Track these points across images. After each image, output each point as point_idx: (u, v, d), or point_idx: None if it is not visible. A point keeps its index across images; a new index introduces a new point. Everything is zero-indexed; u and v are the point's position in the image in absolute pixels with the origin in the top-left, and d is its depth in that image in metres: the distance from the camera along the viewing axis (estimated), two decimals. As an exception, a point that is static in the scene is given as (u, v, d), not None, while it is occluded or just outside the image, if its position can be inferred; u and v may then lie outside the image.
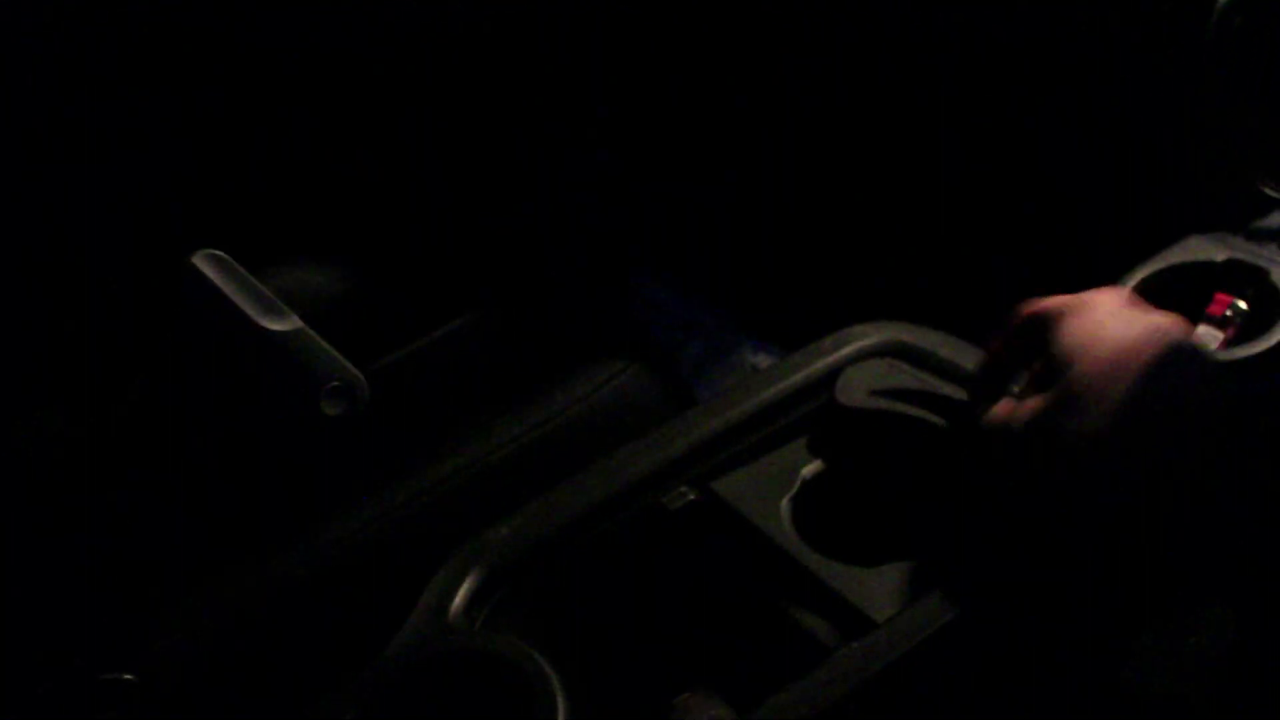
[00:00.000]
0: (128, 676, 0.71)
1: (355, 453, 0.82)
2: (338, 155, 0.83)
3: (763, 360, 1.02)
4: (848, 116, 1.08)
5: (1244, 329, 0.94)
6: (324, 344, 0.78)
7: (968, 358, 0.87)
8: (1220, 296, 0.97)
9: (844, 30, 1.06)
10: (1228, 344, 0.95)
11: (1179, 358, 0.68)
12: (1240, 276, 0.97)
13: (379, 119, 0.85)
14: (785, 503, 0.78)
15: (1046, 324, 0.72)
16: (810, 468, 0.80)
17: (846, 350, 0.88)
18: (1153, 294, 0.98)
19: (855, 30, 1.05)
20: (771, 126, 1.11)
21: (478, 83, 0.88)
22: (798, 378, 0.86)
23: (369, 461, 0.83)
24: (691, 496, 0.79)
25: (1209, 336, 0.96)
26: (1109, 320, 0.71)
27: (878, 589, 0.71)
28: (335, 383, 0.78)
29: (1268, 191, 0.97)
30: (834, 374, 0.88)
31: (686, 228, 1.14)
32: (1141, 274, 0.99)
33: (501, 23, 0.88)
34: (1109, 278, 0.98)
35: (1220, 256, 0.97)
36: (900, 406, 0.77)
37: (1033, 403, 0.70)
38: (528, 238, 0.91)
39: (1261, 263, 0.96)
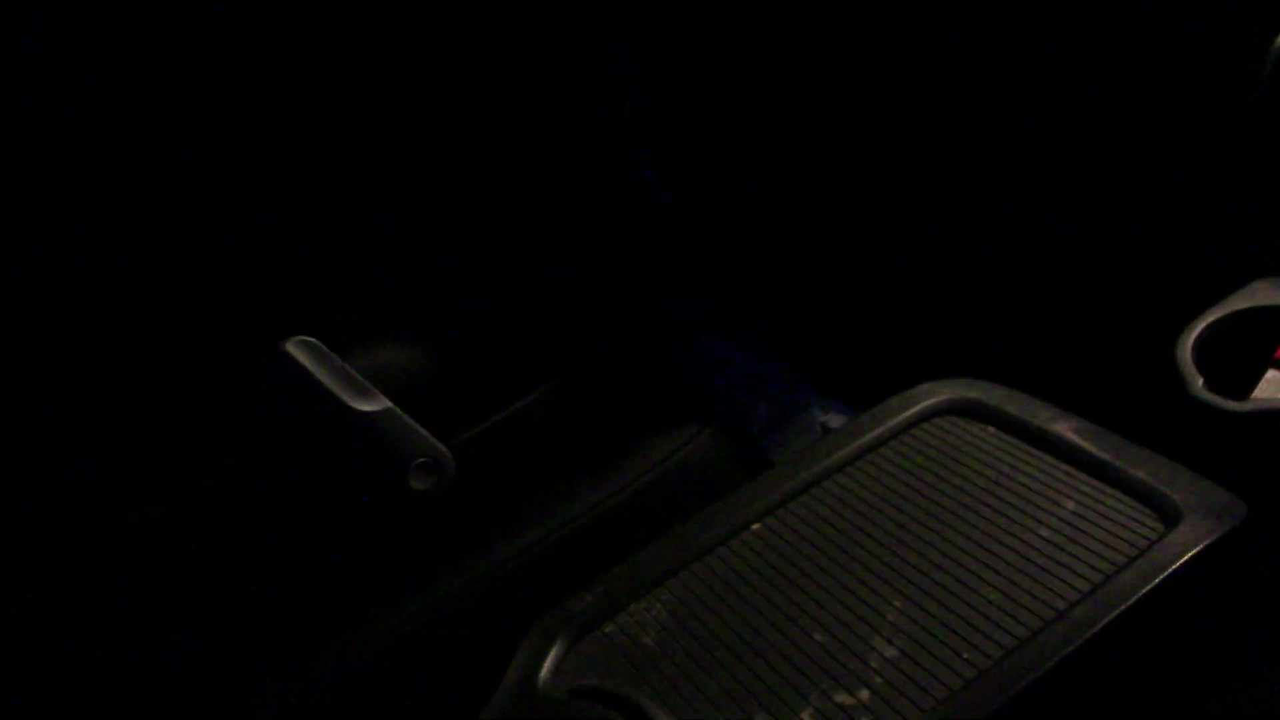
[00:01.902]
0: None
1: (441, 525, 0.85)
2: (417, 241, 0.87)
3: (833, 419, 1.04)
4: (920, 176, 1.10)
5: (1314, 373, 0.95)
6: (411, 422, 0.81)
7: (1037, 414, 0.88)
8: (1289, 341, 0.97)
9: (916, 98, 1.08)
10: (1299, 388, 0.95)
11: None
12: (1307, 321, 0.97)
13: (456, 204, 0.88)
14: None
15: None
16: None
17: (916, 409, 0.90)
18: (1220, 339, 0.99)
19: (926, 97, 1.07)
20: (838, 181, 1.13)
21: (540, 157, 0.91)
22: (868, 438, 0.88)
23: (453, 533, 0.86)
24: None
25: (1278, 383, 0.96)
26: None
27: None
28: (423, 459, 0.81)
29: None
30: (905, 431, 0.89)
31: (750, 281, 1.16)
32: (1208, 319, 0.99)
33: (564, 100, 0.91)
34: (1178, 324, 0.99)
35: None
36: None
37: None
38: (595, 308, 0.94)
39: (1328, 306, 0.96)
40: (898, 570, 0.79)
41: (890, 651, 0.73)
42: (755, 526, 0.85)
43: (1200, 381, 0.96)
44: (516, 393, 0.89)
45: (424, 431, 0.81)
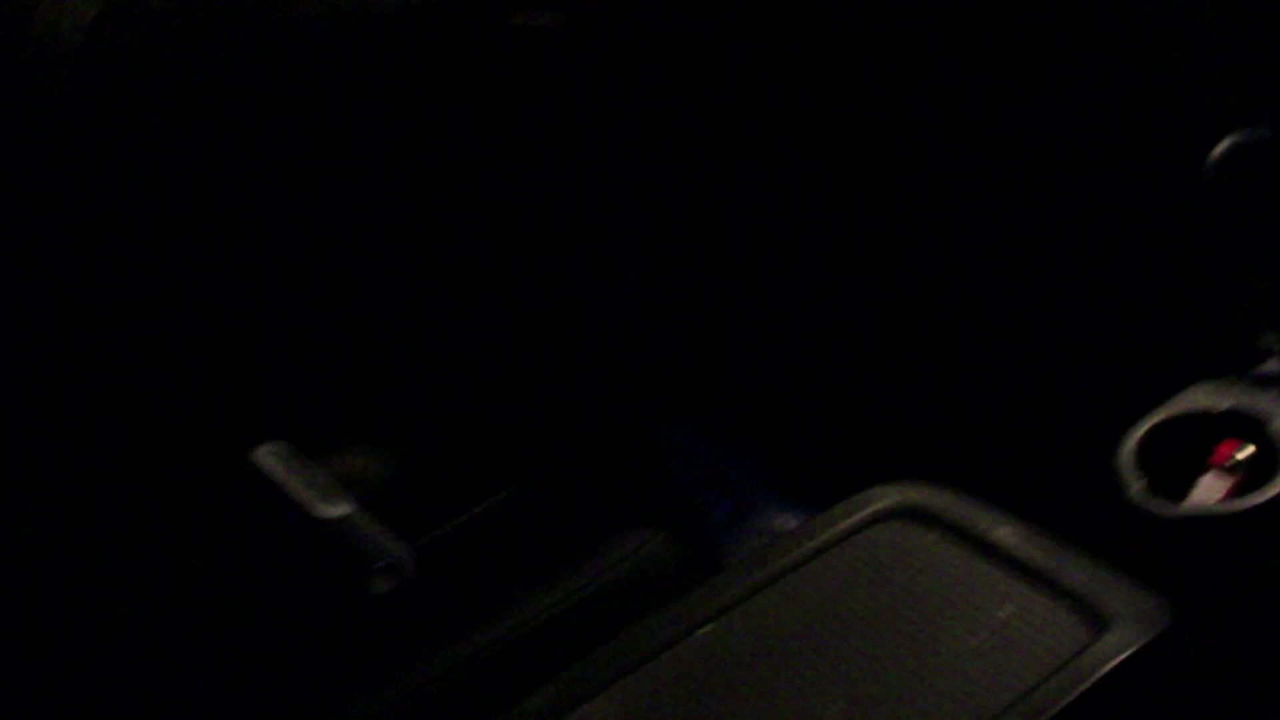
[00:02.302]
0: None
1: (400, 624, 0.88)
2: (384, 346, 0.91)
3: (789, 521, 1.07)
4: (876, 282, 1.15)
5: (1250, 477, 0.98)
6: (375, 525, 0.85)
7: (979, 520, 0.92)
8: (1223, 446, 1.01)
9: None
10: (1235, 491, 0.99)
11: None
12: (1243, 425, 1.01)
13: (420, 309, 0.93)
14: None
15: None
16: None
17: (863, 514, 0.93)
18: (1160, 442, 1.03)
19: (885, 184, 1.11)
20: (802, 280, 1.17)
21: (500, 258, 0.95)
22: (816, 543, 0.92)
23: (411, 633, 0.89)
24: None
25: (1214, 485, 1.00)
26: None
27: None
28: (384, 562, 0.84)
29: (1266, 343, 1.01)
30: (852, 537, 0.93)
31: (715, 373, 1.20)
32: (1148, 424, 1.03)
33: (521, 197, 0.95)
34: (1118, 427, 1.03)
35: (1222, 406, 1.02)
36: None
37: None
38: (559, 407, 0.98)
39: (1261, 412, 1.00)
40: (839, 676, 0.82)
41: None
42: (705, 630, 0.88)
43: (1139, 485, 1.00)
44: (481, 494, 0.93)
45: (387, 534, 0.84)
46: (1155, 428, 1.03)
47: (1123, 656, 0.78)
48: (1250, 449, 1.00)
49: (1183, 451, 1.02)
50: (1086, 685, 0.77)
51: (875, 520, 0.93)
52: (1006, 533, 0.90)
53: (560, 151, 0.98)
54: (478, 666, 0.90)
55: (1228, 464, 1.00)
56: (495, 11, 0.85)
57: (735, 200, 1.12)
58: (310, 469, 0.84)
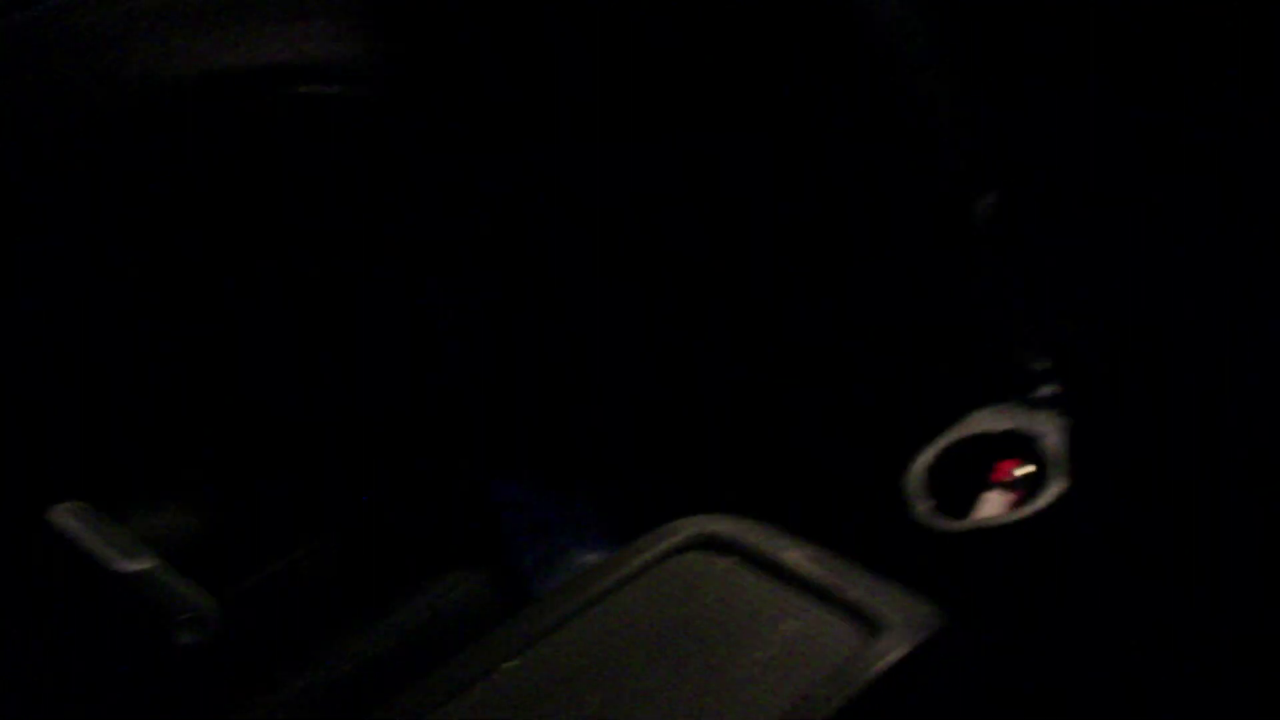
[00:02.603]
0: None
1: (210, 677, 0.90)
2: (186, 401, 0.93)
3: (595, 558, 1.11)
4: (671, 326, 1.20)
5: (1029, 492, 1.05)
6: (178, 577, 0.87)
7: (771, 544, 0.97)
8: (1003, 465, 1.08)
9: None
10: (1016, 506, 1.05)
11: None
12: (1021, 445, 1.08)
13: (229, 363, 0.95)
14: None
15: None
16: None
17: (664, 546, 0.97)
18: (948, 464, 1.09)
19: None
20: (612, 323, 1.22)
21: (320, 309, 0.98)
22: (619, 575, 0.95)
23: (223, 685, 0.90)
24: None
25: (997, 501, 1.07)
26: None
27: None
28: (187, 614, 0.86)
29: (1038, 368, 1.08)
30: (653, 567, 0.97)
31: (535, 422, 1.23)
32: (937, 448, 1.10)
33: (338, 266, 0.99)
34: (908, 453, 1.09)
35: (1000, 428, 1.09)
36: None
37: None
38: (381, 453, 1.01)
39: (1036, 432, 1.07)
40: (635, 697, 0.85)
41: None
42: (511, 663, 0.91)
43: (926, 504, 1.06)
44: (292, 543, 0.95)
45: (191, 586, 0.86)
46: (941, 451, 1.10)
47: (893, 659, 0.83)
48: (1029, 467, 1.07)
49: (968, 472, 1.09)
50: (859, 687, 0.81)
51: (674, 551, 0.98)
52: (795, 555, 0.94)
53: (366, 215, 1.02)
54: (291, 712, 0.91)
55: (1008, 481, 1.07)
56: (280, 83, 0.89)
57: (546, 255, 1.17)
58: (109, 526, 0.86)
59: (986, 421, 1.10)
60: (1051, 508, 1.00)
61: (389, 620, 0.97)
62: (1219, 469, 0.96)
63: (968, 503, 1.07)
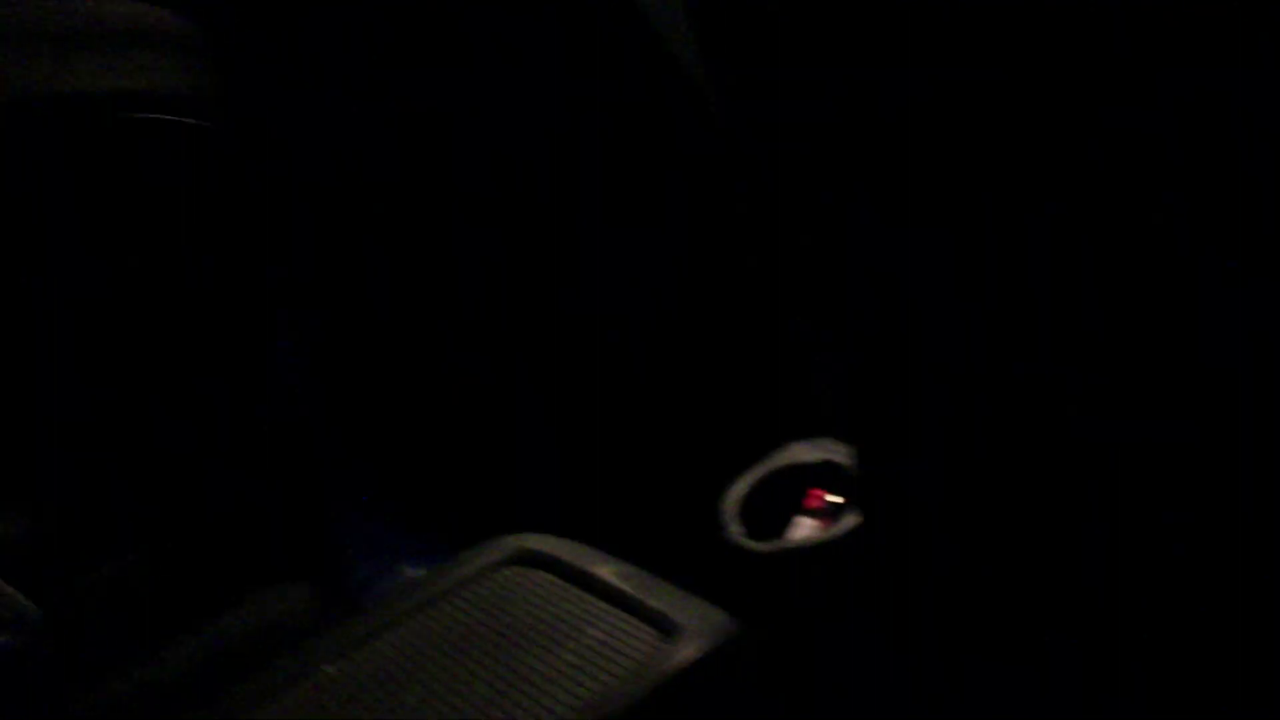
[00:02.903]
0: None
1: (30, 683, 0.92)
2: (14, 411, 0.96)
3: (422, 573, 1.15)
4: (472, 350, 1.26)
5: (837, 519, 1.12)
6: None
7: (584, 560, 1.02)
8: (814, 493, 1.15)
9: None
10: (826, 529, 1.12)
11: None
12: (831, 475, 1.15)
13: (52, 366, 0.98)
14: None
15: None
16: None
17: (484, 561, 1.02)
18: (765, 492, 1.16)
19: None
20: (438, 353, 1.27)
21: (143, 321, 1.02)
22: (435, 590, 1.00)
23: (43, 692, 0.93)
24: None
25: (808, 525, 1.13)
26: None
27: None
28: (6, 616, 0.89)
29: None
30: (473, 581, 1.02)
31: (370, 446, 1.28)
32: (753, 476, 1.17)
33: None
34: (727, 481, 1.15)
35: (814, 459, 1.16)
36: None
37: None
38: (211, 465, 1.04)
39: (845, 463, 1.14)
40: (445, 699, 0.90)
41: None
42: (329, 668, 0.95)
43: (738, 528, 1.12)
44: (118, 549, 0.98)
45: (9, 588, 0.89)
46: (761, 479, 1.17)
47: (685, 659, 0.88)
48: (839, 497, 1.14)
49: (785, 499, 1.16)
50: (652, 684, 0.86)
51: (495, 566, 1.02)
52: (605, 570, 1.00)
53: (207, 241, 1.06)
54: (109, 715, 0.93)
55: (818, 509, 1.14)
56: (123, 108, 0.94)
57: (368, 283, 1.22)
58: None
59: (801, 452, 1.17)
60: (847, 534, 1.07)
61: (215, 627, 1.00)
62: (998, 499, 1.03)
63: (781, 527, 1.14)
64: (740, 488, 1.15)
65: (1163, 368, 0.75)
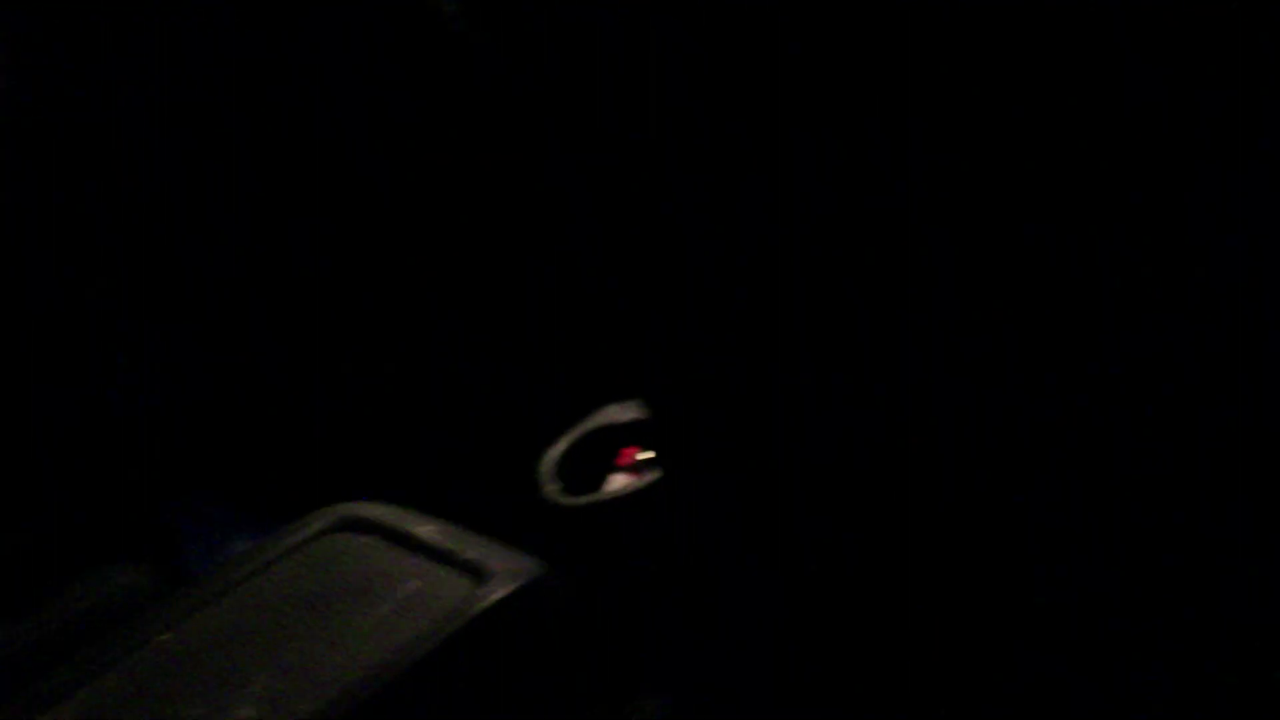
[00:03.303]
0: None
1: None
2: None
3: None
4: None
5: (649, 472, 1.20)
6: None
7: (407, 522, 1.09)
8: (627, 451, 1.23)
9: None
10: (639, 485, 1.20)
11: None
12: (645, 432, 1.24)
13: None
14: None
15: None
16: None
17: (312, 529, 1.09)
18: (583, 451, 1.24)
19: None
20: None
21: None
22: (263, 559, 1.06)
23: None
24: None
25: (622, 482, 1.22)
26: None
27: None
28: None
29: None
30: (301, 548, 1.08)
31: (209, 436, 1.33)
32: (571, 437, 1.25)
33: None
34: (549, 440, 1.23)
35: (625, 419, 1.24)
36: None
37: None
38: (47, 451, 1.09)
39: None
40: (272, 656, 0.96)
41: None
42: (163, 636, 1.01)
43: (554, 486, 1.20)
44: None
45: None
46: (578, 439, 1.25)
47: (494, 599, 0.96)
48: (650, 453, 1.22)
49: (603, 457, 1.24)
50: (461, 624, 0.94)
51: (321, 534, 1.09)
52: (425, 530, 1.07)
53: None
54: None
55: (631, 464, 1.23)
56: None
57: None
58: None
59: (615, 413, 1.25)
60: (649, 486, 1.15)
61: (50, 608, 1.05)
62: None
63: (598, 484, 1.22)
64: (558, 449, 1.22)
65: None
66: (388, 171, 1.21)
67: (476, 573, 1.00)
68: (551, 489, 1.17)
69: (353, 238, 1.23)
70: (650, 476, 1.15)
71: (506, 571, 0.99)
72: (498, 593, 0.97)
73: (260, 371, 1.29)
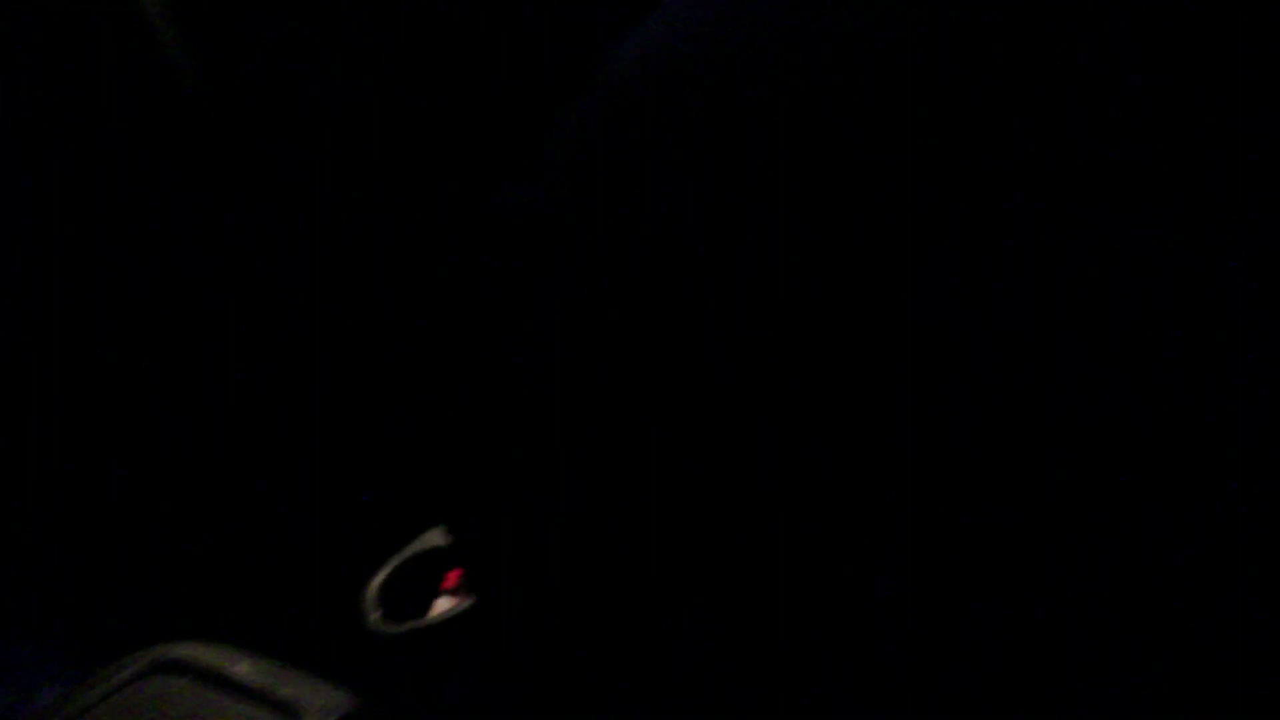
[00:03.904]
0: None
1: None
2: None
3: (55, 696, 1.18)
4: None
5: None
6: None
7: (224, 661, 1.08)
8: (452, 574, 1.24)
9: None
10: (464, 609, 1.21)
11: None
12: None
13: None
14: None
15: None
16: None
17: (120, 677, 1.07)
18: (406, 577, 1.24)
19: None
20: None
21: None
22: (77, 705, 1.04)
23: None
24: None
25: (446, 605, 1.22)
26: None
27: None
28: None
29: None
30: (113, 694, 1.06)
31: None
32: (394, 563, 1.25)
33: None
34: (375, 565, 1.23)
35: (446, 542, 1.25)
36: None
37: None
38: None
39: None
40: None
41: None
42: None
43: (376, 615, 1.20)
44: None
45: None
46: (399, 566, 1.25)
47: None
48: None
49: (427, 583, 1.24)
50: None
51: (130, 680, 1.07)
52: (242, 668, 1.06)
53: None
54: None
55: (454, 588, 1.23)
56: None
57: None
58: None
59: (438, 537, 1.26)
60: (465, 610, 1.16)
61: None
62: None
63: (422, 610, 1.22)
64: (379, 578, 1.22)
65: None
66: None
67: (287, 710, 1.00)
68: (374, 619, 1.17)
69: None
70: (471, 600, 1.16)
71: (318, 707, 0.99)
72: (306, 730, 0.96)
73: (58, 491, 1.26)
